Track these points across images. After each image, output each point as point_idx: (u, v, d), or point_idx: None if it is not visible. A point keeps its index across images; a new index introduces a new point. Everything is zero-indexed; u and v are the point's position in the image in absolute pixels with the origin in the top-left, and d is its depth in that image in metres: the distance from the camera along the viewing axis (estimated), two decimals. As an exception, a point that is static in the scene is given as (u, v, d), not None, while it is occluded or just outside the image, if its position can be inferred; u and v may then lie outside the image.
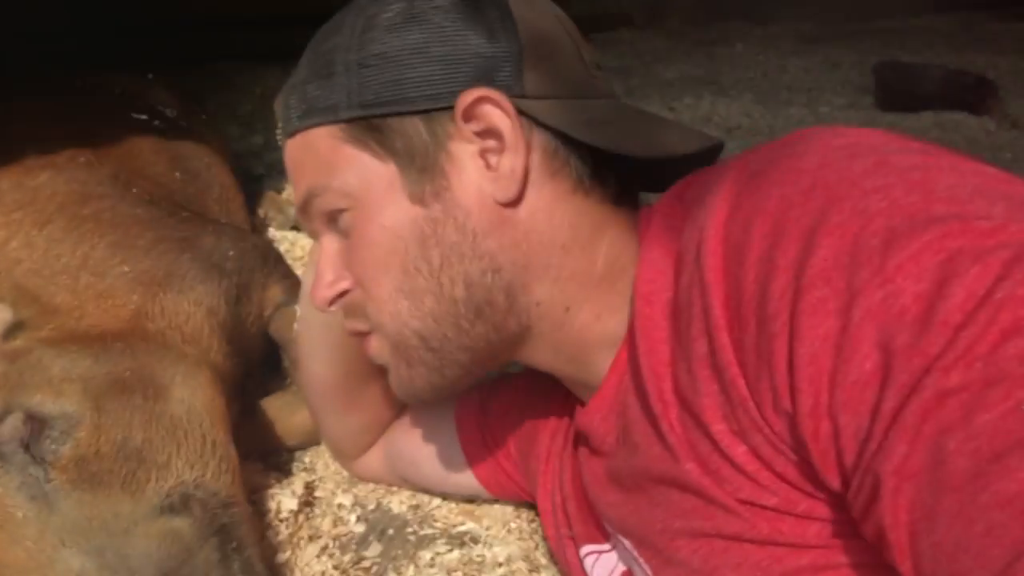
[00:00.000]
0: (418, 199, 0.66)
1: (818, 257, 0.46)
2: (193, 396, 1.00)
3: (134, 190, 1.27)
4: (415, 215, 0.66)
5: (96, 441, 0.91)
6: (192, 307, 1.13)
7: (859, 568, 0.51)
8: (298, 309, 1.07)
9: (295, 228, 2.11)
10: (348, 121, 0.67)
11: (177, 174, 1.51)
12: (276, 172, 2.56)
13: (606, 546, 0.80)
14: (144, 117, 1.66)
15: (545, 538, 0.93)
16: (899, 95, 3.31)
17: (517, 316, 0.68)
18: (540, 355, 0.73)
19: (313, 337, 1.03)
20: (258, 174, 2.54)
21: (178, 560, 0.87)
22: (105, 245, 1.13)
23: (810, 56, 4.40)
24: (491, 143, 0.65)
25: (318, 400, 1.09)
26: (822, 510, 0.51)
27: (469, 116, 0.64)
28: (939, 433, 0.40)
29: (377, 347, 0.74)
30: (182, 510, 0.91)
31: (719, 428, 0.54)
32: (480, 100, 0.64)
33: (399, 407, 1.12)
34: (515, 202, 0.66)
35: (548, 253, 0.67)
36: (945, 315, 0.41)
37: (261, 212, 2.13)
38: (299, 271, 1.74)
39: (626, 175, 0.72)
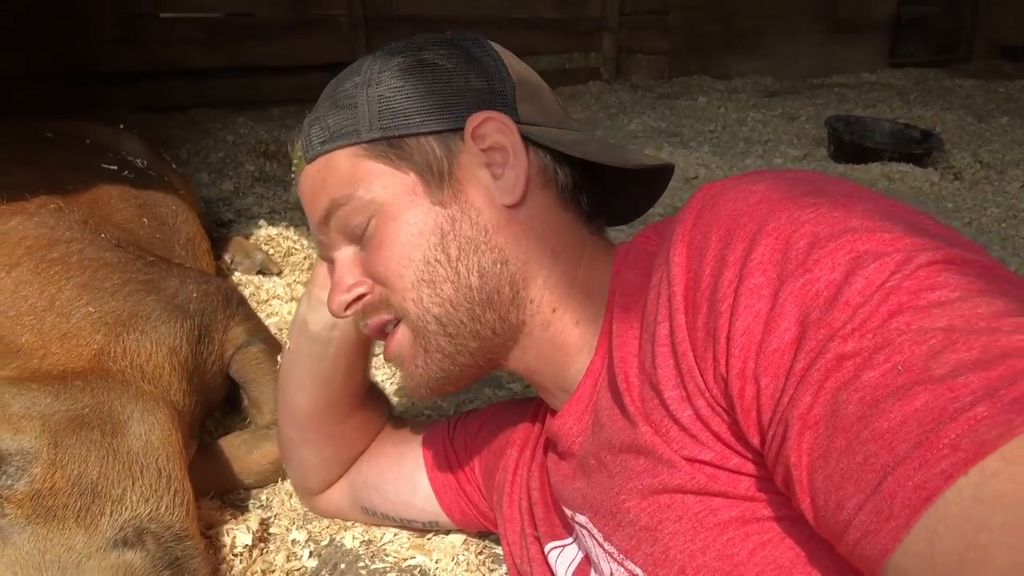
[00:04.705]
0: (439, 201, 0.76)
1: (757, 253, 0.56)
2: (150, 432, 1.03)
3: (102, 235, 1.32)
4: (436, 214, 0.76)
5: (52, 476, 0.94)
6: (154, 347, 1.17)
7: (781, 521, 0.60)
8: (288, 341, 1.10)
9: (261, 272, 2.16)
10: (369, 141, 0.77)
11: (145, 220, 1.55)
12: (245, 218, 2.61)
13: (568, 540, 0.87)
14: (114, 168, 1.71)
15: (507, 544, 0.97)
16: (850, 147, 3.46)
17: (517, 309, 0.78)
18: (528, 356, 0.82)
19: (301, 368, 1.07)
20: (227, 219, 2.60)
21: (130, 592, 0.90)
22: (72, 287, 1.17)
23: (769, 110, 4.58)
24: (496, 156, 0.77)
25: (296, 432, 1.12)
26: (749, 467, 0.61)
27: (477, 135, 0.77)
28: (836, 388, 0.49)
29: (399, 339, 0.80)
30: (136, 543, 0.94)
31: (671, 394, 0.63)
32: (487, 121, 0.77)
33: (368, 443, 1.16)
34: (517, 205, 0.78)
35: (542, 254, 0.79)
36: (848, 296, 0.51)
37: (228, 257, 2.17)
38: (263, 314, 1.78)
39: (595, 202, 0.85)
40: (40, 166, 1.56)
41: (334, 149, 0.79)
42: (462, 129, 0.77)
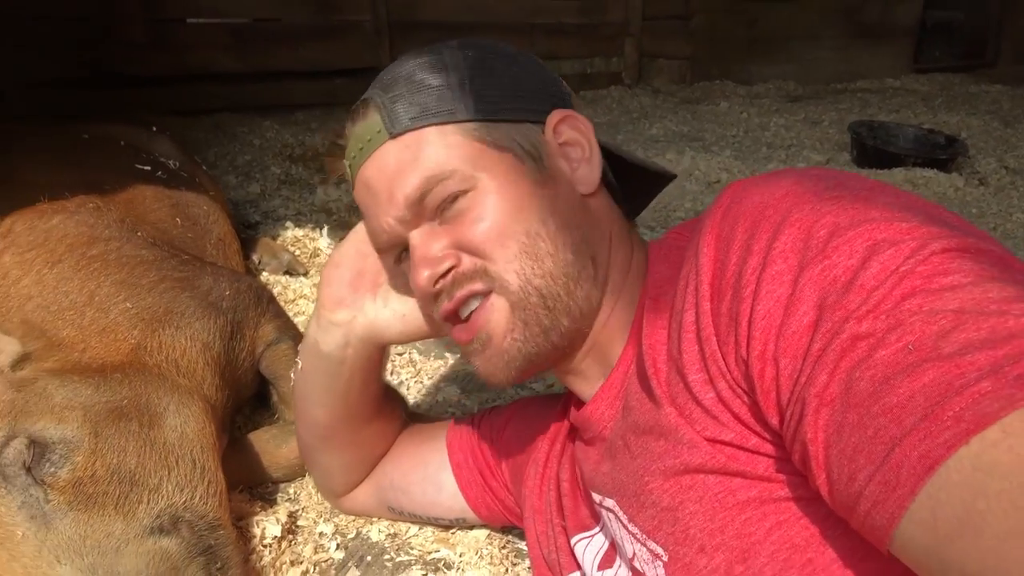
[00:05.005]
0: (537, 181, 0.81)
1: (779, 241, 0.59)
2: (185, 424, 1.07)
3: (139, 234, 1.36)
4: (536, 192, 0.81)
5: (92, 464, 0.97)
6: (188, 342, 1.20)
7: (797, 501, 0.62)
8: (299, 361, 1.09)
9: (288, 272, 2.20)
10: (464, 122, 0.81)
11: (178, 220, 1.60)
12: (271, 220, 2.66)
13: (594, 530, 0.89)
14: (148, 169, 1.75)
15: (534, 535, 1.00)
16: (873, 152, 3.44)
17: (598, 289, 0.83)
18: (588, 344, 0.84)
19: (316, 386, 1.07)
20: (254, 221, 2.64)
21: (166, 578, 0.93)
22: (110, 283, 1.21)
23: (791, 115, 4.56)
24: (571, 151, 0.85)
25: (317, 441, 1.14)
26: (767, 448, 0.63)
27: (557, 130, 0.84)
28: (851, 367, 0.52)
29: (492, 314, 0.80)
30: (171, 531, 0.97)
31: (694, 377, 0.66)
32: (567, 118, 0.85)
33: (390, 445, 1.18)
34: (589, 196, 0.85)
35: (606, 240, 0.85)
36: (863, 280, 0.53)
37: (256, 257, 2.22)
38: (290, 313, 1.82)
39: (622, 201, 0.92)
40: (78, 166, 1.61)
41: (427, 126, 0.80)
42: (542, 123, 0.84)
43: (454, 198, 0.80)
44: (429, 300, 0.84)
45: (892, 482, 0.48)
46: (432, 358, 1.78)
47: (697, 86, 5.48)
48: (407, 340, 1.02)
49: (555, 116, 0.84)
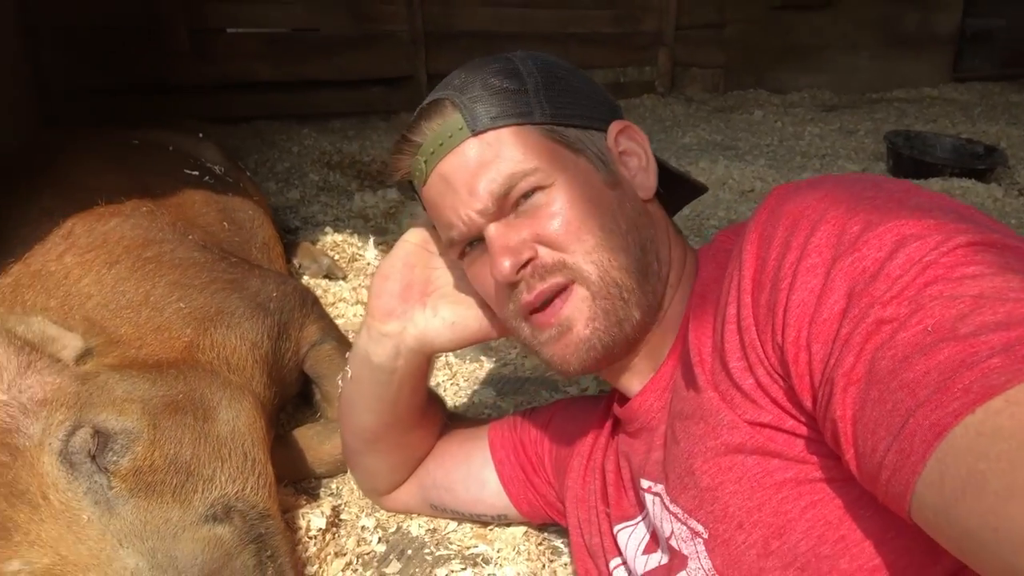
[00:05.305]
0: (608, 183, 0.88)
1: (816, 237, 0.63)
2: (237, 418, 1.11)
3: (190, 237, 1.42)
4: (608, 193, 0.87)
5: (151, 454, 1.02)
6: (238, 341, 1.25)
7: (830, 482, 0.66)
8: (348, 369, 1.12)
9: (327, 276, 2.26)
10: (539, 124, 0.87)
11: (225, 224, 1.65)
12: (311, 225, 2.73)
13: (637, 519, 0.93)
14: (196, 174, 1.82)
15: (576, 523, 1.03)
16: (910, 162, 3.42)
17: (661, 284, 0.89)
18: (646, 335, 0.88)
19: (365, 395, 1.10)
20: (294, 226, 2.71)
21: (219, 564, 0.97)
22: (165, 284, 1.26)
23: (826, 124, 4.54)
24: (630, 160, 0.91)
25: (363, 445, 1.17)
26: (802, 430, 0.67)
27: (616, 139, 0.91)
28: (875, 348, 0.56)
29: (576, 302, 0.84)
30: (224, 519, 1.02)
31: (735, 365, 0.71)
32: (626, 129, 0.92)
33: (432, 446, 1.22)
34: (648, 201, 0.91)
35: (667, 242, 0.91)
36: (889, 270, 0.57)
37: (296, 261, 2.28)
38: (332, 314, 1.87)
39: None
40: (131, 172, 1.67)
41: (507, 125, 0.86)
42: (604, 131, 0.90)
43: (530, 193, 0.84)
44: (504, 290, 0.87)
45: (906, 450, 0.51)
46: (468, 361, 1.82)
47: (731, 95, 5.48)
48: (456, 347, 1.05)
49: (616, 126, 0.91)
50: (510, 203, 0.85)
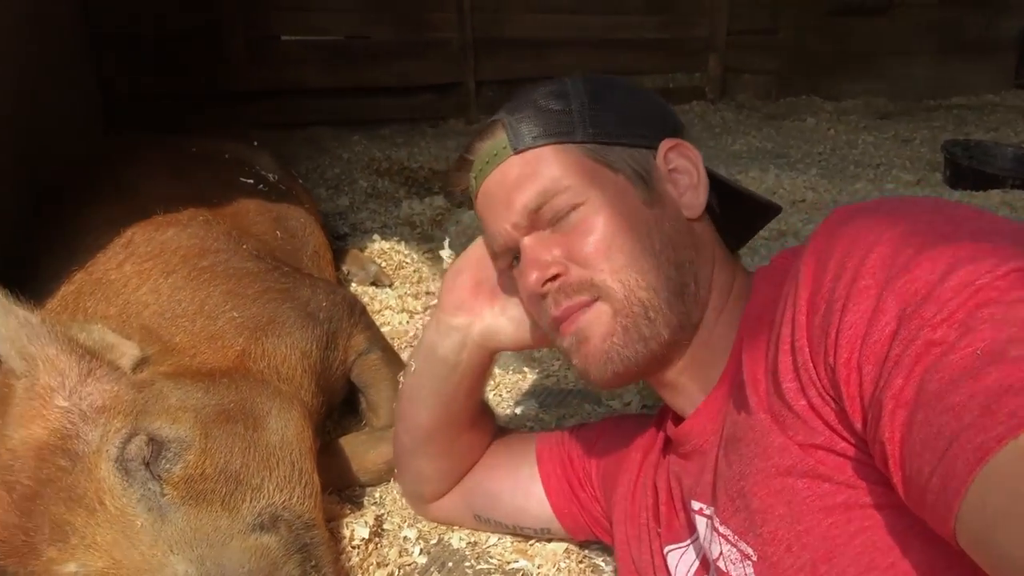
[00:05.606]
0: (646, 201, 0.89)
1: (871, 259, 0.63)
2: (286, 428, 1.13)
3: (244, 246, 1.45)
4: (644, 212, 0.88)
5: (203, 463, 1.04)
6: (289, 350, 1.28)
7: (880, 508, 0.66)
8: (412, 363, 1.16)
9: (374, 284, 2.29)
10: (581, 142, 0.90)
11: (278, 232, 1.69)
12: (359, 232, 2.77)
13: (686, 542, 0.93)
14: (250, 181, 1.86)
15: (624, 540, 1.03)
16: (969, 173, 3.31)
17: (698, 306, 0.88)
18: (686, 356, 0.90)
19: (425, 389, 1.14)
20: (343, 233, 2.75)
21: (265, 572, 0.99)
22: (219, 293, 1.30)
23: (881, 132, 4.43)
24: (679, 177, 0.91)
25: (415, 444, 1.19)
26: (853, 452, 0.67)
27: (667, 157, 0.91)
28: (924, 370, 0.55)
29: (594, 316, 0.87)
30: (271, 528, 1.04)
31: (788, 386, 0.70)
32: (677, 146, 0.92)
33: (481, 455, 1.23)
34: (694, 220, 0.91)
35: (711, 263, 0.91)
36: (940, 292, 0.57)
37: (344, 268, 2.31)
38: (378, 322, 1.89)
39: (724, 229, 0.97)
40: (188, 180, 1.72)
41: (547, 144, 0.90)
42: (654, 149, 0.91)
43: (568, 211, 0.87)
44: (536, 301, 0.91)
45: (950, 473, 0.51)
46: (511, 372, 1.83)
47: (782, 102, 5.38)
48: (519, 347, 1.10)
49: (666, 144, 0.91)
50: (543, 218, 0.89)
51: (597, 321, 0.86)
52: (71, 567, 0.99)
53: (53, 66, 2.41)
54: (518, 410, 1.66)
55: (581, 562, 1.19)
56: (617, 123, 0.91)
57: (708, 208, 0.93)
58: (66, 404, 1.03)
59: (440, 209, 2.93)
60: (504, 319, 1.07)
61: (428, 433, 1.16)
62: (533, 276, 0.88)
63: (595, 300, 0.86)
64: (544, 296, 0.89)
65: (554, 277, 0.88)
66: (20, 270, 1.35)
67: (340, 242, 2.57)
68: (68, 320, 1.18)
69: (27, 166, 1.80)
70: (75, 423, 1.02)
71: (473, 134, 0.97)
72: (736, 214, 0.99)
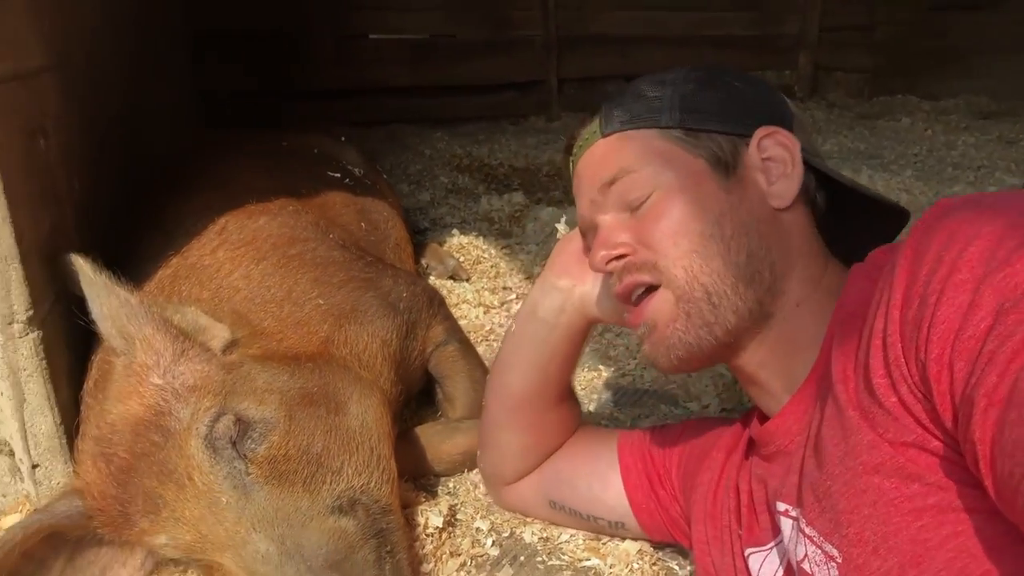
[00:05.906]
0: (723, 188, 0.89)
1: (968, 253, 0.61)
2: (366, 413, 1.16)
3: (330, 236, 1.49)
4: (719, 197, 0.88)
5: (286, 444, 1.07)
6: (370, 338, 1.31)
7: (973, 513, 0.63)
8: (513, 324, 1.20)
9: (452, 277, 2.32)
10: (666, 127, 0.92)
11: (363, 224, 1.73)
12: (439, 227, 2.81)
13: (769, 545, 0.91)
14: (337, 175, 1.91)
15: (703, 541, 1.02)
16: (1082, 177, 3.11)
17: (772, 296, 0.87)
18: (763, 349, 0.89)
19: (521, 352, 1.18)
20: (423, 228, 2.80)
21: (342, 555, 1.01)
22: (306, 281, 1.33)
23: (983, 133, 4.20)
24: (772, 166, 0.90)
25: (504, 414, 1.21)
26: (946, 452, 0.64)
27: (761, 145, 0.91)
28: (1020, 369, 0.53)
29: (658, 303, 0.89)
30: (349, 512, 1.06)
31: (879, 380, 0.68)
32: (772, 135, 0.91)
33: (564, 439, 1.23)
34: (783, 211, 0.90)
35: (797, 254, 0.89)
36: None
37: (424, 262, 2.35)
38: (455, 315, 1.91)
39: (833, 230, 0.96)
40: (280, 172, 1.78)
41: (632, 128, 0.93)
42: (749, 137, 0.91)
43: (645, 196, 0.88)
44: (606, 280, 0.94)
45: None
46: (586, 369, 1.81)
47: (876, 101, 5.16)
48: (613, 321, 1.12)
49: (760, 132, 0.91)
50: (614, 195, 0.92)
51: (661, 308, 0.88)
52: (162, 538, 1.03)
53: (157, 66, 2.53)
54: (592, 407, 1.65)
55: (655, 564, 1.17)
56: (711, 111, 0.92)
57: (811, 202, 0.92)
58: (160, 382, 1.08)
59: (519, 205, 2.94)
60: (604, 290, 1.08)
61: (518, 402, 1.18)
62: (600, 254, 0.92)
63: (658, 286, 0.88)
64: (610, 275, 0.92)
65: (620, 257, 0.90)
66: (123, 256, 1.42)
67: (420, 236, 2.61)
68: (164, 302, 1.23)
69: (135, 165, 1.89)
70: (168, 400, 1.07)
71: (579, 122, 1.03)
72: (853, 213, 0.96)
